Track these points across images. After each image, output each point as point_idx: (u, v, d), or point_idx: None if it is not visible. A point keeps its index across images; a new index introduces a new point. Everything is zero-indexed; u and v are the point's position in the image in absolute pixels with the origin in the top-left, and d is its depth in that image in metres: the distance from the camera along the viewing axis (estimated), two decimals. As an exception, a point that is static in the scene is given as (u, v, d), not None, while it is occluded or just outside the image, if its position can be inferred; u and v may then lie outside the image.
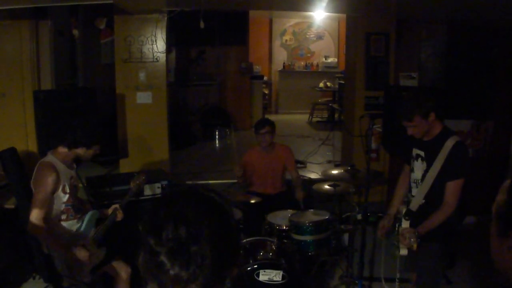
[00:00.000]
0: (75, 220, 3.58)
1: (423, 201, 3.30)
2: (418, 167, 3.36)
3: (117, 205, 3.80)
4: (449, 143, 3.16)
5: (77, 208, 3.62)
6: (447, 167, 3.15)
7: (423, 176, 3.29)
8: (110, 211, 3.79)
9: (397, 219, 3.46)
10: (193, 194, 1.29)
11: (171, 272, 1.13)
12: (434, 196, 3.25)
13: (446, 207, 3.18)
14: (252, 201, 4.84)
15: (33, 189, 3.40)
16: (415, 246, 3.22)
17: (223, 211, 1.28)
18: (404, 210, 3.36)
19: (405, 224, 3.30)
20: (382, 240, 3.60)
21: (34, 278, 4.66)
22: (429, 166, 3.25)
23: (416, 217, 3.28)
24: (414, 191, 3.39)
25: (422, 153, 3.34)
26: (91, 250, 3.53)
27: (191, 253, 1.13)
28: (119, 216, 3.75)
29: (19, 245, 4.70)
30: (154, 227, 1.17)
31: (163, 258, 1.14)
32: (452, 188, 3.17)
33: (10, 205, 5.03)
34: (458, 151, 3.15)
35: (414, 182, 3.41)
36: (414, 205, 3.32)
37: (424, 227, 3.21)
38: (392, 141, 5.62)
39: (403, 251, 3.34)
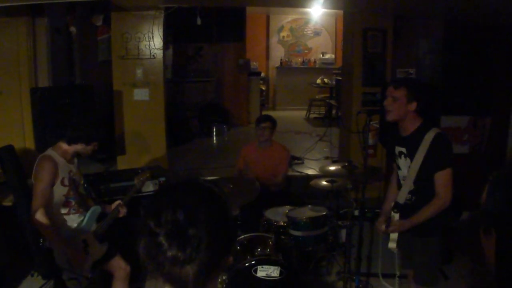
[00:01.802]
0: (77, 215, 3.61)
1: (410, 197, 3.31)
2: (403, 164, 3.36)
3: (120, 201, 3.83)
4: (429, 136, 3.15)
5: (78, 202, 3.64)
6: (431, 159, 3.15)
7: (408, 171, 3.30)
8: (113, 207, 3.82)
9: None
10: (192, 184, 1.36)
11: (169, 253, 1.19)
12: (420, 191, 3.25)
13: (437, 200, 3.17)
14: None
15: (33, 183, 3.43)
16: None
17: (220, 200, 1.33)
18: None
19: (395, 217, 3.33)
20: (381, 235, 3.60)
21: (32, 276, 4.67)
22: (412, 160, 3.25)
23: (405, 210, 3.31)
24: (402, 186, 3.40)
25: (404, 150, 3.33)
26: (92, 245, 3.57)
27: (188, 235, 1.19)
28: (122, 212, 3.79)
29: (17, 242, 4.70)
30: (154, 211, 1.23)
31: (161, 239, 1.19)
32: (442, 178, 3.16)
33: (7, 202, 5.03)
34: (439, 142, 3.14)
35: (403, 180, 3.42)
36: (401, 198, 3.33)
37: (414, 219, 3.23)
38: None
39: (391, 245, 3.37)
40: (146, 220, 1.23)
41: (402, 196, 3.33)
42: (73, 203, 3.58)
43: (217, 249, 1.26)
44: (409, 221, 3.24)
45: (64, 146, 3.56)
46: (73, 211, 3.59)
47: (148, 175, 4.05)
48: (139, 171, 4.11)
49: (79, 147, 3.58)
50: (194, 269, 1.21)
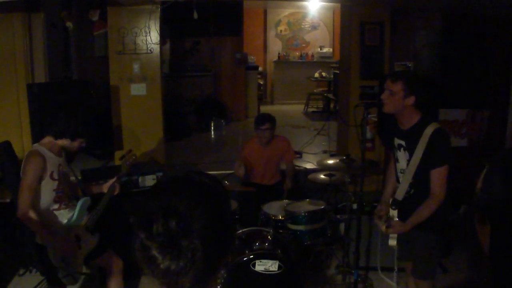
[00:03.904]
0: (68, 209, 3.60)
1: (409, 190, 3.30)
2: (401, 156, 3.35)
3: (116, 177, 3.86)
4: (428, 130, 3.13)
5: (69, 196, 3.64)
6: (429, 155, 3.13)
7: (407, 165, 3.28)
8: (109, 184, 3.84)
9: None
10: (185, 184, 1.27)
11: (162, 265, 1.13)
12: (419, 185, 3.24)
13: (433, 199, 3.17)
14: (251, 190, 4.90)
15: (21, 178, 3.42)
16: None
17: (216, 199, 1.26)
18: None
19: (392, 213, 3.31)
20: (379, 225, 3.58)
21: (30, 272, 4.67)
22: (411, 155, 3.23)
23: (403, 206, 3.29)
24: (401, 180, 3.39)
25: (403, 143, 3.32)
26: (84, 238, 3.56)
27: (181, 247, 1.12)
28: (117, 188, 3.83)
29: (15, 239, 4.70)
30: (145, 221, 1.15)
31: (154, 252, 1.13)
32: (437, 176, 3.15)
33: (5, 199, 5.01)
34: (438, 138, 3.12)
35: (400, 172, 3.41)
36: (400, 194, 3.31)
37: (413, 220, 3.21)
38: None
39: (392, 242, 3.35)
40: (137, 231, 1.15)
41: (401, 192, 3.31)
42: (63, 196, 3.57)
43: (214, 256, 1.20)
44: (409, 224, 3.22)
45: (51, 140, 3.55)
46: (64, 206, 3.58)
47: (134, 157, 4.04)
48: (124, 154, 4.09)
49: (64, 142, 3.56)
50: (190, 279, 1.16)
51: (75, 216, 3.59)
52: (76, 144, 3.62)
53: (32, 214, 3.32)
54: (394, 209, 3.30)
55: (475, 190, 2.57)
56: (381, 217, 3.41)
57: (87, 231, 3.63)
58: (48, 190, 3.47)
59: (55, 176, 3.50)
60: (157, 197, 1.21)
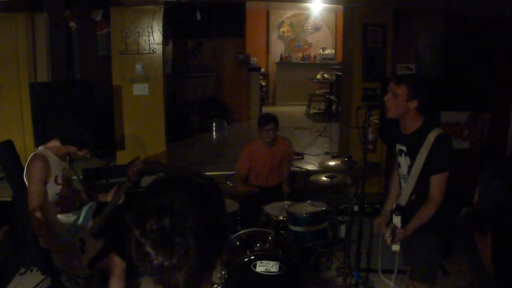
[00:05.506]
0: (71, 213, 3.59)
1: (412, 196, 3.29)
2: (403, 162, 3.34)
3: (118, 185, 3.84)
4: (432, 136, 3.12)
5: (72, 200, 3.62)
6: (431, 160, 3.12)
7: (409, 171, 3.27)
8: (112, 193, 3.81)
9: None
10: (180, 183, 1.29)
11: (155, 262, 1.14)
12: (422, 190, 3.22)
13: (431, 203, 3.16)
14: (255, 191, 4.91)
15: (26, 183, 3.40)
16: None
17: (210, 199, 1.28)
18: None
19: (396, 219, 3.28)
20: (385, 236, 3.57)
21: (31, 271, 4.67)
22: (412, 160, 3.21)
23: (406, 212, 3.27)
24: (403, 186, 3.39)
25: (404, 148, 3.31)
26: (89, 243, 3.55)
27: (174, 244, 1.14)
28: (121, 197, 3.79)
29: (17, 237, 4.70)
30: (139, 218, 1.17)
31: (148, 249, 1.14)
32: (437, 182, 3.15)
33: (7, 197, 5.02)
34: (441, 144, 3.11)
35: (402, 178, 3.40)
36: (403, 200, 3.30)
37: (412, 226, 3.20)
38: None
39: (395, 247, 3.34)
40: (131, 228, 1.17)
41: (405, 198, 3.30)
42: (66, 201, 3.56)
43: (207, 254, 1.21)
44: (410, 229, 3.21)
45: (58, 144, 3.52)
46: (67, 209, 3.57)
47: (140, 164, 4.03)
48: (132, 161, 4.08)
49: (71, 149, 3.53)
50: (183, 276, 1.17)
51: (81, 219, 3.58)
52: (81, 153, 3.59)
53: (40, 219, 3.29)
54: (397, 215, 3.28)
55: (472, 204, 2.55)
56: (387, 224, 3.40)
57: (92, 236, 3.62)
58: (51, 194, 3.45)
59: (59, 180, 3.49)
60: (151, 196, 1.23)
